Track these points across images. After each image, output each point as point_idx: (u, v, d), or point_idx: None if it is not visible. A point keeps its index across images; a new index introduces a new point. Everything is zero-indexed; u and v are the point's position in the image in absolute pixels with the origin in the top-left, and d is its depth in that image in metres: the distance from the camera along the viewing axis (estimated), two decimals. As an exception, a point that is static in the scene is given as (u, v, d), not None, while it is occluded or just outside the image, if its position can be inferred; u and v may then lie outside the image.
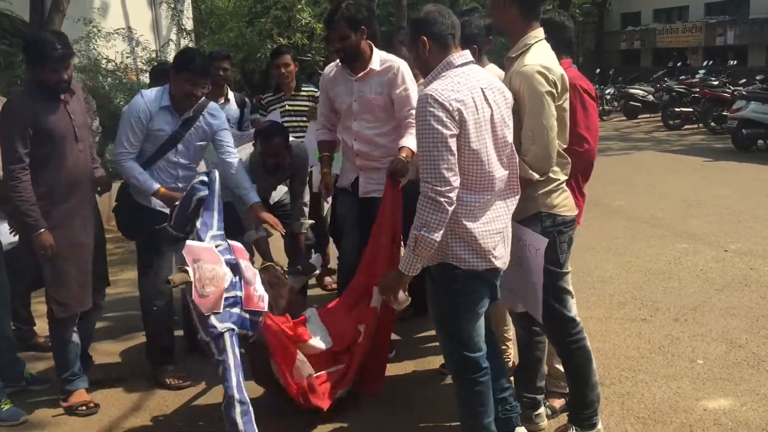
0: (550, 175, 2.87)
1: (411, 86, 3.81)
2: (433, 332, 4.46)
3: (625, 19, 27.28)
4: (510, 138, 2.69)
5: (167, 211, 3.85)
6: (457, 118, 2.50)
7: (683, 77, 17.64)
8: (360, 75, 3.81)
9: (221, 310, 3.08)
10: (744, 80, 15.51)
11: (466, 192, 2.58)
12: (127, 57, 10.75)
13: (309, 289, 5.16)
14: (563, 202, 2.94)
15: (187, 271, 3.01)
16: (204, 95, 3.90)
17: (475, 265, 2.64)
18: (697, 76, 17.10)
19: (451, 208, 2.52)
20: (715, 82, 15.55)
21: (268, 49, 11.52)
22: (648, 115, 17.68)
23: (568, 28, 3.40)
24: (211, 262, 3.11)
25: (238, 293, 3.18)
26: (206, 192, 3.45)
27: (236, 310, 3.15)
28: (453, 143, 2.49)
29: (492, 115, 2.60)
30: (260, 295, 3.27)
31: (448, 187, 2.49)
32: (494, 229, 2.66)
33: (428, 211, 2.51)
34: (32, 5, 8.43)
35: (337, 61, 3.95)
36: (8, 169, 3.45)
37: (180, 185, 3.93)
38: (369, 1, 3.93)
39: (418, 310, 4.41)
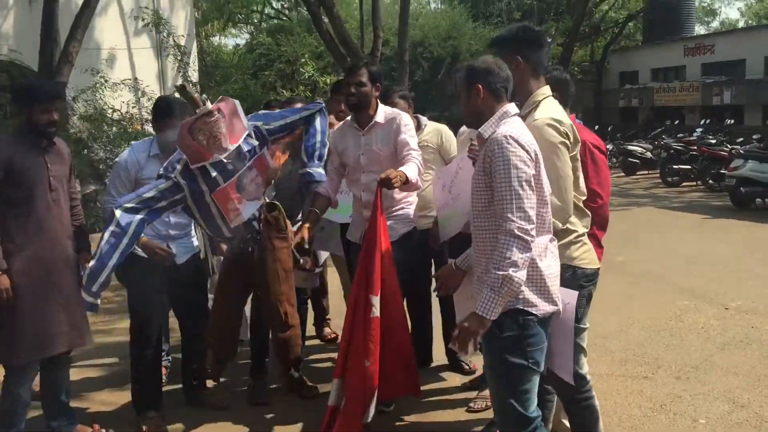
0: (569, 226, 2.88)
1: (411, 132, 3.95)
2: (437, 385, 4.47)
3: (623, 77, 27.73)
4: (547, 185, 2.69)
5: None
6: (534, 159, 2.52)
7: (681, 135, 17.82)
8: (366, 129, 3.96)
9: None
10: (741, 139, 15.67)
11: (536, 233, 2.54)
12: (133, 107, 10.91)
13: (308, 340, 5.15)
14: (583, 255, 2.94)
15: None
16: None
17: (545, 309, 2.58)
18: (695, 134, 17.28)
19: (533, 247, 2.50)
20: (713, 141, 15.71)
21: (271, 101, 11.67)
22: (646, 172, 17.81)
23: (571, 84, 3.48)
24: None
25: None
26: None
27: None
28: (533, 183, 2.50)
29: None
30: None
31: (532, 226, 2.47)
32: (555, 272, 2.65)
33: (515, 249, 2.44)
34: (42, 56, 8.62)
35: (344, 121, 4.15)
36: None
37: (172, 232, 4.01)
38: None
39: (422, 361, 4.39)
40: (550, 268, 2.62)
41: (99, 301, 3.39)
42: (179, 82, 13.36)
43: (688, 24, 27.19)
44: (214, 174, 3.43)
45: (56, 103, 3.60)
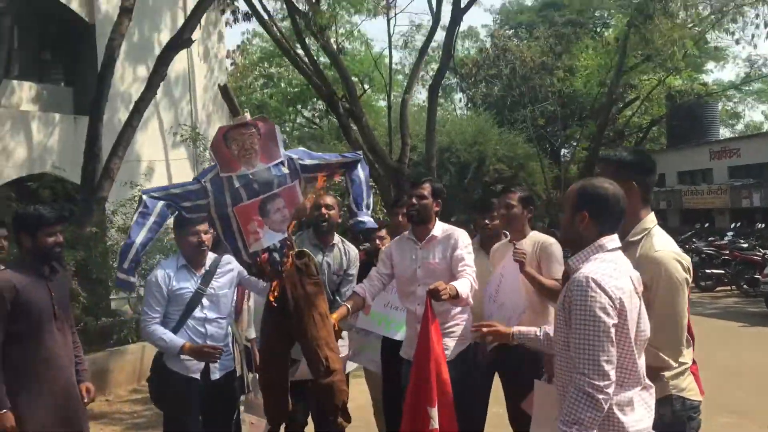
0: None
1: (468, 249, 4.00)
2: None
3: (650, 180, 27.85)
4: (648, 329, 2.54)
5: (198, 376, 3.96)
6: (618, 306, 2.34)
7: (711, 238, 17.71)
8: (424, 242, 4.07)
9: None
10: (774, 243, 15.56)
11: (620, 387, 2.39)
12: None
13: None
14: (690, 386, 2.83)
15: None
16: (208, 246, 4.08)
17: None
18: (726, 237, 17.17)
19: (607, 405, 2.32)
20: (745, 245, 15.58)
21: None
22: (679, 276, 17.59)
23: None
24: None
25: None
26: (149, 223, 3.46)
27: None
28: (614, 334, 2.32)
29: (639, 305, 2.48)
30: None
31: (606, 382, 2.30)
32: (645, 428, 2.46)
33: (583, 407, 2.30)
34: (84, 172, 8.98)
35: (400, 235, 4.27)
36: None
37: (209, 344, 4.00)
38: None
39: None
40: (639, 423, 2.42)
41: (133, 279, 3.44)
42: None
43: (712, 127, 27.53)
44: (237, 185, 3.51)
45: (60, 225, 3.69)
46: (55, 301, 3.64)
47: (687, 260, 2.78)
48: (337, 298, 4.57)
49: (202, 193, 3.55)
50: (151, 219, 3.43)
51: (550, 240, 4.27)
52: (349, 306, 4.00)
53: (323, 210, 4.57)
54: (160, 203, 3.47)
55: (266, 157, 3.57)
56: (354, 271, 4.73)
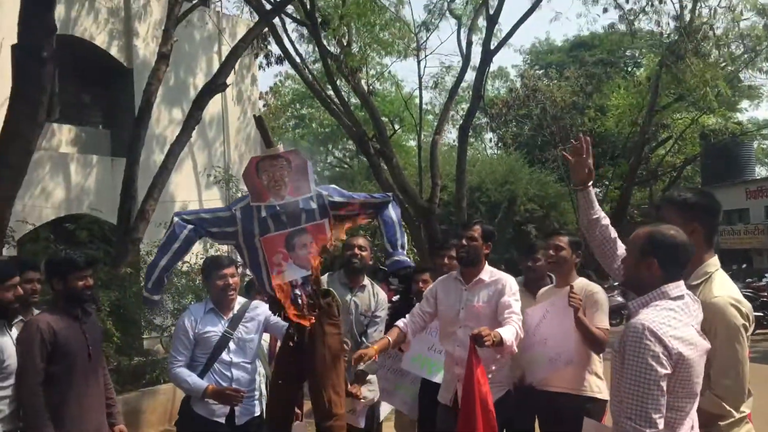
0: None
1: (516, 296, 3.99)
2: None
3: (684, 219, 27.48)
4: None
5: (223, 420, 3.99)
6: (674, 356, 2.33)
7: (749, 280, 17.35)
8: (470, 284, 4.06)
9: None
10: (814, 284, 15.17)
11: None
12: (201, 258, 11.30)
13: None
14: None
15: None
16: (235, 289, 4.14)
17: None
18: (764, 279, 16.81)
19: None
20: (784, 286, 15.25)
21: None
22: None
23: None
24: None
25: None
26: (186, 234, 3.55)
27: None
28: (665, 383, 2.31)
29: (705, 351, 2.48)
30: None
31: (652, 430, 2.31)
32: None
33: None
34: (120, 213, 9.15)
35: (448, 274, 4.28)
36: (27, 385, 3.52)
37: (233, 386, 4.02)
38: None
39: None
40: None
41: (156, 298, 3.60)
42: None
43: (748, 166, 27.19)
44: (264, 215, 3.56)
45: (90, 269, 3.80)
46: (89, 342, 3.73)
47: (746, 306, 2.72)
48: (364, 339, 4.55)
49: (231, 221, 3.62)
50: (176, 245, 3.54)
51: (597, 288, 4.21)
52: (390, 339, 4.01)
53: (356, 250, 4.60)
54: (187, 230, 3.56)
55: (295, 190, 3.63)
56: (382, 313, 4.72)
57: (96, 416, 3.73)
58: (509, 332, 3.62)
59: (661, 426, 2.31)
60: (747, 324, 2.69)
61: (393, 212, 3.85)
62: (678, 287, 2.49)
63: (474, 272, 4.09)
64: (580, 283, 4.21)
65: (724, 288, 2.74)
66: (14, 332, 3.66)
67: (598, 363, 4.15)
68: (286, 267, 3.61)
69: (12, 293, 3.57)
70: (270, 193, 3.61)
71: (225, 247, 11.95)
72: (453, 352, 4.03)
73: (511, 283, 4.03)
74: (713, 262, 2.83)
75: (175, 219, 3.60)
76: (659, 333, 2.33)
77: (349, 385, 3.90)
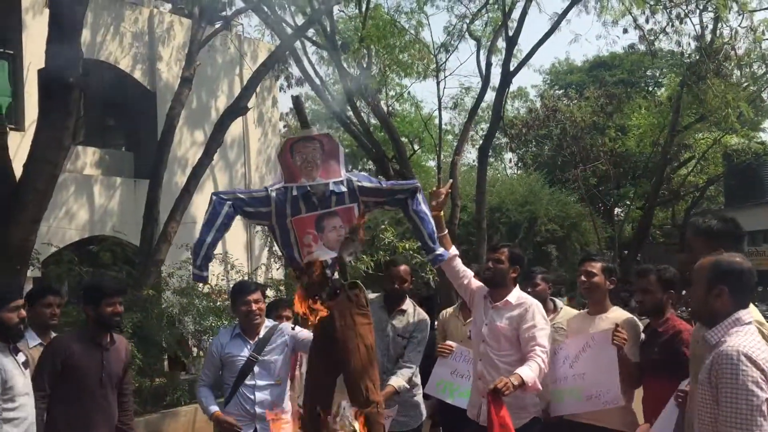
0: None
1: (541, 324, 3.97)
2: None
3: (707, 240, 27.16)
4: None
5: None
6: None
7: (775, 301, 17.10)
8: (497, 304, 4.12)
9: None
10: (841, 306, 14.88)
11: None
12: (222, 279, 11.35)
13: None
14: None
15: None
16: (260, 315, 4.30)
17: None
18: (790, 301, 16.54)
19: None
20: (811, 309, 14.97)
21: (353, 267, 11.98)
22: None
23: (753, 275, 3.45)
24: None
25: None
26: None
27: None
28: (766, 408, 2.29)
29: None
30: None
31: None
32: None
33: None
34: (143, 235, 9.24)
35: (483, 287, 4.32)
36: (34, 399, 3.66)
37: (258, 411, 4.16)
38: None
39: None
40: None
41: (205, 274, 3.66)
42: (265, 254, 13.80)
43: (772, 186, 26.84)
44: (296, 194, 3.62)
45: (120, 296, 3.97)
46: (105, 370, 3.88)
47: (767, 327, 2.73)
48: (400, 361, 4.59)
49: (266, 201, 3.68)
50: (220, 220, 3.60)
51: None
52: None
53: (396, 284, 4.67)
54: (227, 205, 3.63)
55: (326, 172, 3.68)
56: (420, 335, 4.72)
57: None
58: (531, 370, 3.64)
59: None
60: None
61: (424, 205, 3.84)
62: (748, 313, 2.51)
63: (501, 293, 4.13)
64: (616, 312, 4.13)
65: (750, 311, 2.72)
66: (21, 357, 3.71)
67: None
68: (316, 248, 3.67)
69: (17, 315, 3.62)
70: (302, 174, 3.66)
71: (245, 269, 12.03)
72: (476, 367, 4.13)
73: (536, 310, 4.03)
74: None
75: (214, 197, 3.67)
76: (754, 357, 2.32)
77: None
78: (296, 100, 3.96)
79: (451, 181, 4.34)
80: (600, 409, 3.86)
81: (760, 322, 2.71)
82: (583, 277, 4.19)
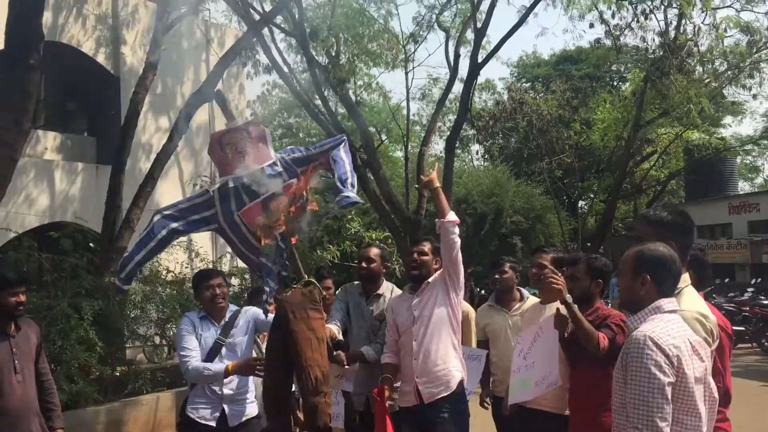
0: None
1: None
2: None
3: (668, 233, 27.67)
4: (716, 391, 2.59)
5: (213, 423, 4.15)
6: (675, 364, 2.40)
7: (732, 294, 17.48)
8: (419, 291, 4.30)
9: None
10: (795, 299, 15.31)
11: None
12: (185, 267, 11.23)
13: None
14: None
15: None
16: (224, 298, 4.31)
17: None
18: (746, 294, 16.93)
19: None
20: (765, 301, 15.32)
21: (319, 256, 11.97)
22: (699, 332, 17.31)
23: (708, 266, 3.58)
24: None
25: None
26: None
27: None
28: (669, 392, 2.37)
29: (705, 368, 2.52)
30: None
31: None
32: None
33: None
34: (105, 221, 9.10)
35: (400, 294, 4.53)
36: None
37: (226, 392, 4.20)
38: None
39: None
40: None
41: (127, 288, 3.82)
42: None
43: (731, 181, 27.43)
44: (235, 186, 3.65)
45: (23, 286, 3.95)
46: (16, 357, 3.88)
47: (711, 321, 2.80)
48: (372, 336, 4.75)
49: (209, 203, 3.72)
50: (153, 243, 3.65)
51: None
52: (390, 376, 4.27)
53: (363, 264, 4.77)
54: (164, 231, 3.66)
55: (259, 158, 3.72)
56: None
57: (24, 425, 3.88)
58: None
59: None
60: (710, 339, 2.76)
61: (344, 152, 3.89)
62: (671, 302, 2.59)
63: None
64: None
65: (691, 302, 2.83)
66: None
67: None
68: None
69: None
70: (235, 165, 3.70)
71: (210, 257, 11.93)
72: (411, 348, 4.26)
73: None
74: (684, 278, 2.91)
75: (156, 217, 3.69)
76: (659, 342, 2.40)
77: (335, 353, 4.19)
78: (218, 94, 4.04)
79: (438, 165, 4.41)
80: (544, 392, 3.95)
81: (704, 314, 2.77)
82: (534, 269, 4.34)
